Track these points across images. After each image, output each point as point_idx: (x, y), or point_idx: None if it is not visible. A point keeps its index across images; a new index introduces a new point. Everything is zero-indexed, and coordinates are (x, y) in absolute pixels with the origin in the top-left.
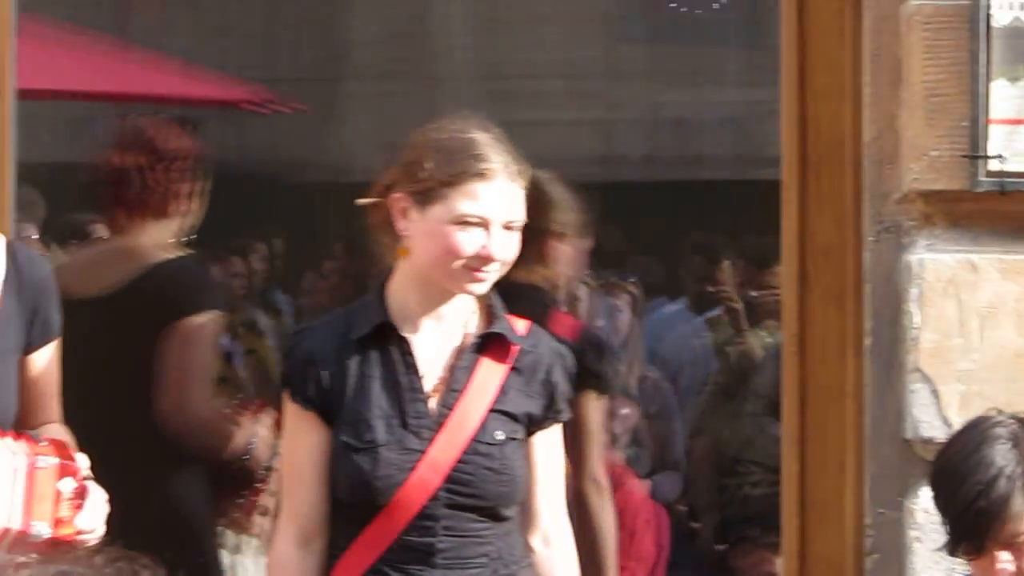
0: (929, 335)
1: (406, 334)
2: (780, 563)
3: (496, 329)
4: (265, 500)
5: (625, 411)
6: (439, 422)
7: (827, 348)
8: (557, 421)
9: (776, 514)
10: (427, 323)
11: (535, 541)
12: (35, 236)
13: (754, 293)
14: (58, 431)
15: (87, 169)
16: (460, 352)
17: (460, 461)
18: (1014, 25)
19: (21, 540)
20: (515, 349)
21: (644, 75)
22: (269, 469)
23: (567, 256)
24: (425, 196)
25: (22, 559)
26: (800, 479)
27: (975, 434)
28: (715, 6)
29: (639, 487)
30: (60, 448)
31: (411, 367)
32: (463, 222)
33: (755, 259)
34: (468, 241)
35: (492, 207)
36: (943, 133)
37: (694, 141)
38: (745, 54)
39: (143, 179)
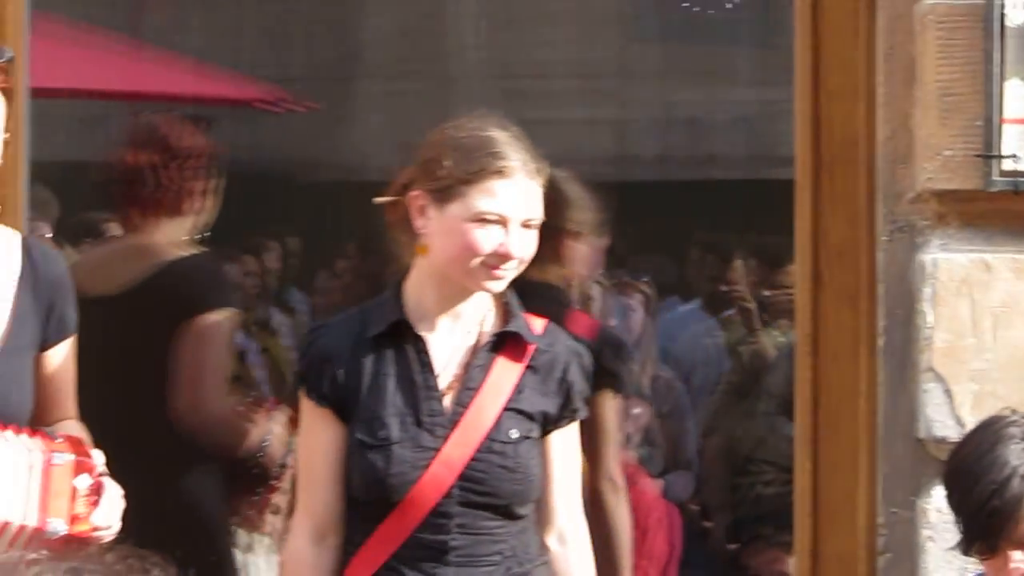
0: (942, 335)
1: (422, 332)
2: (792, 562)
3: (512, 328)
4: (278, 498)
5: (638, 410)
6: (454, 420)
7: (840, 348)
8: (574, 420)
9: (789, 513)
10: (443, 321)
11: (551, 540)
12: (49, 235)
13: (767, 293)
14: (74, 428)
15: (100, 167)
16: (476, 350)
17: (474, 459)
18: None
19: (37, 537)
20: (531, 348)
21: (657, 74)
22: (283, 467)
23: (583, 255)
24: (444, 194)
25: (33, 556)
26: (813, 478)
27: (989, 433)
28: (728, 5)
29: (651, 486)
30: (76, 445)
31: (426, 365)
32: (481, 219)
33: (768, 259)
34: (486, 238)
35: (511, 205)
36: (957, 133)
37: (707, 140)
38: (759, 53)
39: (157, 177)
